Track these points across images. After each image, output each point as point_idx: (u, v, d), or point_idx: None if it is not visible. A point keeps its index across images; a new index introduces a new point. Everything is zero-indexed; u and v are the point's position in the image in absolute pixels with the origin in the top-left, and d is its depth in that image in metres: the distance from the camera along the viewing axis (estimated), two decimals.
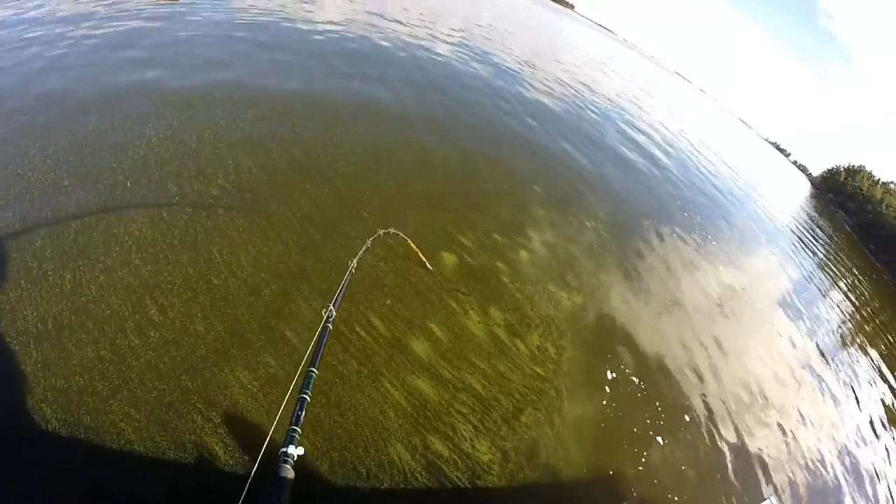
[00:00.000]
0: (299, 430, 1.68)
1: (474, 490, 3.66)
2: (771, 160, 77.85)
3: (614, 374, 5.55)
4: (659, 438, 5.07)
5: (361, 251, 3.78)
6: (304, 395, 1.90)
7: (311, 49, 11.38)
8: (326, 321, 2.51)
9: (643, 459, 4.75)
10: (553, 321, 5.77)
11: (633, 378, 5.66)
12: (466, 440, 3.93)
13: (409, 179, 7.28)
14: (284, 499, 1.38)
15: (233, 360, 3.70)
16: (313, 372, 2.04)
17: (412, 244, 5.06)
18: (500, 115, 12.77)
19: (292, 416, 1.76)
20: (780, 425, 6.70)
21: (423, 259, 5.24)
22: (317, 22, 14.10)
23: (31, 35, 7.44)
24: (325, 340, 2.33)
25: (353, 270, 3.36)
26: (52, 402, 3.08)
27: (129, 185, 4.91)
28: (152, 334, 3.66)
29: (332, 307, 2.63)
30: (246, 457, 3.15)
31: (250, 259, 4.56)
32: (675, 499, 4.56)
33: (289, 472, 1.47)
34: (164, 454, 3.05)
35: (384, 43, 14.62)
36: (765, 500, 4.83)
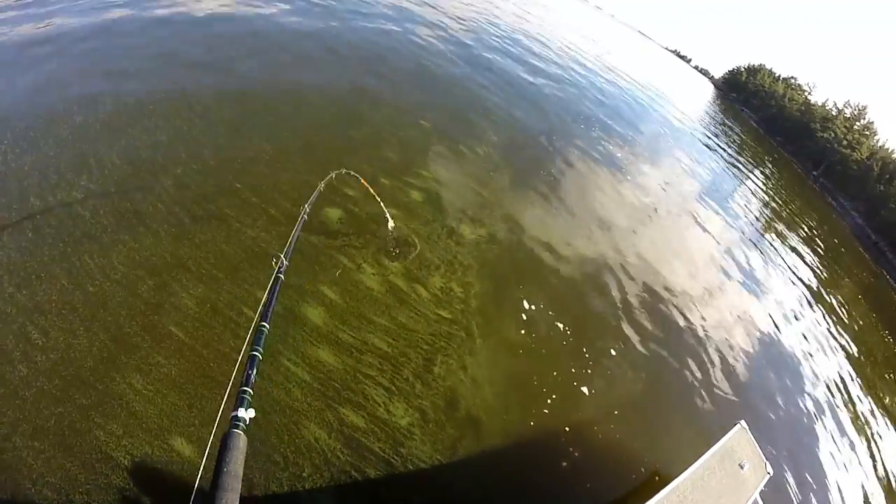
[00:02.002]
0: (250, 390, 1.79)
1: (401, 459, 4.27)
2: (673, 67, 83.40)
3: (531, 304, 6.09)
4: (589, 366, 5.71)
5: (314, 195, 4.02)
6: (255, 353, 2.02)
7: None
8: (278, 272, 2.64)
9: (575, 390, 5.45)
10: (456, 258, 6.27)
11: (554, 301, 6.19)
12: (381, 406, 4.56)
13: (281, 132, 7.62)
14: (236, 466, 1.53)
15: (122, 366, 4.29)
16: (264, 327, 2.20)
17: (370, 188, 5.41)
18: (381, 50, 13.12)
19: (243, 377, 1.86)
20: (711, 316, 7.42)
21: (381, 204, 5.65)
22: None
23: None
24: (276, 293, 2.50)
25: (306, 216, 3.57)
26: None
27: None
28: (39, 359, 4.23)
29: (283, 257, 2.77)
30: (199, 429, 3.84)
31: (122, 258, 5.04)
32: (623, 421, 5.34)
33: (240, 437, 1.60)
34: (75, 479, 3.70)
35: None
36: (735, 424, 5.40)
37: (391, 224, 6.10)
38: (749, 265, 12.10)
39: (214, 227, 5.60)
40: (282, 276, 2.60)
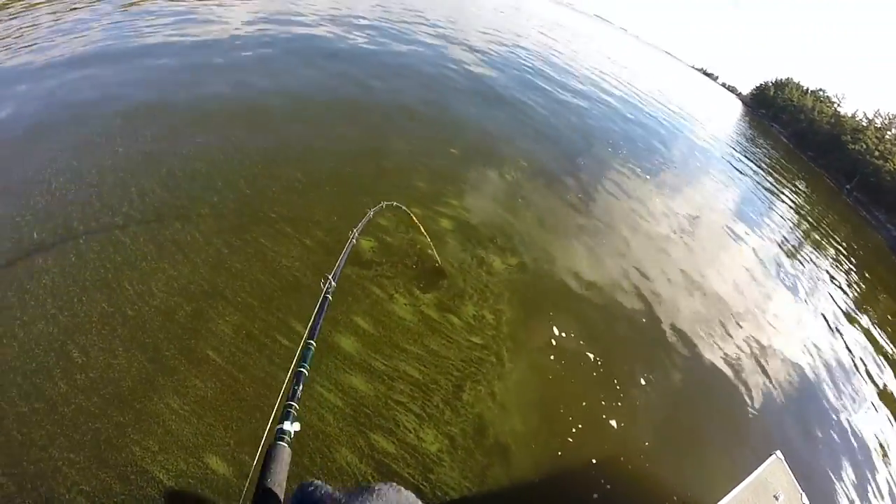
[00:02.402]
0: (296, 405, 1.88)
1: (430, 485, 4.43)
2: (701, 85, 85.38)
3: (560, 331, 6.40)
4: (619, 396, 5.96)
5: (363, 221, 4.27)
6: (302, 369, 2.10)
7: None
8: (326, 293, 2.77)
9: (604, 421, 5.68)
10: (487, 287, 6.65)
11: (584, 328, 6.50)
12: (411, 432, 4.80)
13: (314, 164, 8.18)
14: (279, 476, 1.59)
15: (160, 388, 4.55)
16: (311, 344, 2.27)
17: (415, 218, 5.76)
18: (411, 85, 14.03)
19: (290, 392, 1.96)
20: (746, 338, 7.65)
21: (425, 234, 5.99)
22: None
23: None
24: (323, 313, 2.57)
25: (355, 240, 3.79)
26: None
27: (34, 235, 5.75)
28: (79, 377, 4.50)
29: (331, 278, 2.95)
30: (234, 448, 4.05)
31: (161, 285, 5.40)
32: (650, 448, 5.53)
33: (284, 449, 1.67)
34: (110, 489, 3.90)
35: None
36: (770, 454, 5.55)
37: (437, 260, 6.53)
38: (783, 286, 12.13)
39: (250, 257, 6.00)
40: (329, 296, 2.76)
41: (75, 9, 11.78)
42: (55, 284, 5.25)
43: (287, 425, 1.76)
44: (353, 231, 3.95)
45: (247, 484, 1.80)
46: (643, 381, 6.21)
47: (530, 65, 22.74)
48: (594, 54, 38.94)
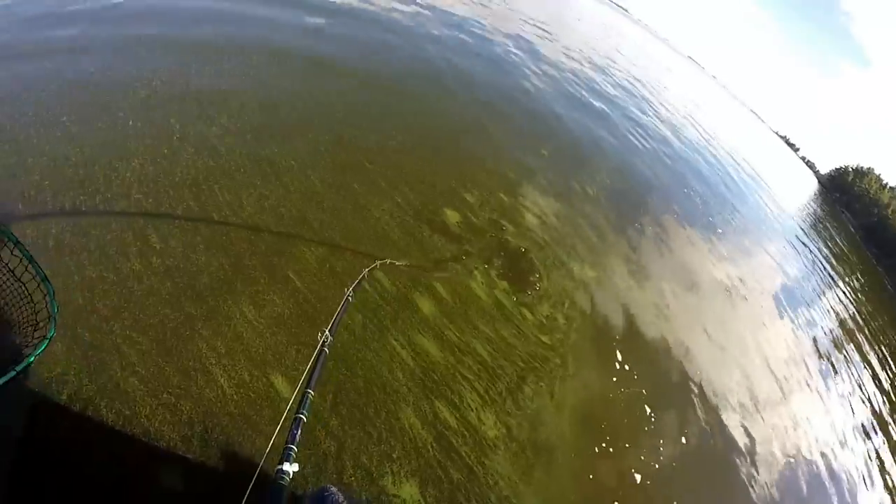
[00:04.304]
0: (295, 448, 1.95)
1: (483, 469, 4.27)
2: (780, 154, 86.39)
3: (623, 357, 6.36)
4: (658, 442, 5.84)
5: (357, 280, 4.18)
6: (301, 416, 2.15)
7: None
8: (323, 345, 2.83)
9: (635, 470, 5.51)
10: (564, 291, 6.65)
11: (640, 362, 6.45)
12: (473, 411, 4.61)
13: (412, 128, 8.35)
14: None
15: (237, 293, 4.36)
16: (310, 393, 2.36)
17: (406, 269, 5.67)
18: (518, 80, 14.52)
19: (288, 435, 2.02)
20: (776, 424, 7.59)
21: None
22: None
23: None
24: (321, 364, 2.67)
25: (350, 299, 3.74)
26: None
27: (130, 123, 5.63)
28: (154, 260, 4.30)
29: (328, 333, 2.96)
30: (242, 472, 3.58)
31: (251, 200, 5.32)
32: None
33: (284, 490, 1.78)
34: (167, 379, 3.65)
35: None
36: None
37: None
38: (821, 375, 11.73)
39: (343, 198, 5.95)
40: (326, 349, 2.80)
41: None
42: (143, 171, 5.09)
43: (287, 466, 1.85)
44: (348, 289, 3.77)
45: None
46: (683, 440, 6.08)
47: (625, 94, 23.43)
48: (681, 97, 39.92)
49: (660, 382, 6.39)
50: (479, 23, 20.09)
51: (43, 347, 2.82)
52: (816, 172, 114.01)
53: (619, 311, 7.12)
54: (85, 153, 5.05)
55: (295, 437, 1.99)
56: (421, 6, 16.38)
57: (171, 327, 3.98)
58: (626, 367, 6.15)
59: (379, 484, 3.84)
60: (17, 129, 5.02)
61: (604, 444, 5.17)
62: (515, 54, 18.29)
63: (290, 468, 1.84)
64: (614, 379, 5.94)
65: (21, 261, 3.06)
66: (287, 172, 5.91)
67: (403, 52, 11.94)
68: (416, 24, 14.87)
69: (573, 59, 22.82)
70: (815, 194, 64.10)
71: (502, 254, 6.58)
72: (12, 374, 2.60)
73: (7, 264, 3.13)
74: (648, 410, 5.78)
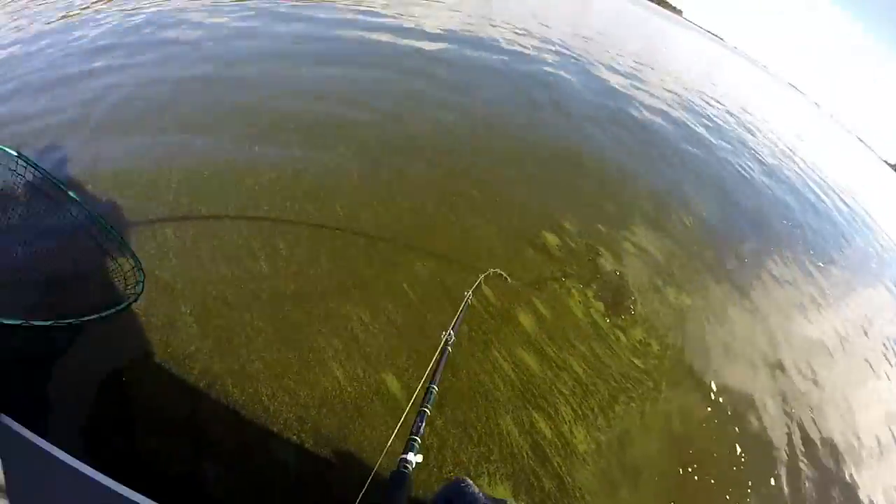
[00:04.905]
0: (419, 439, 2.02)
1: (572, 481, 4.26)
2: (890, 186, 78.56)
3: (717, 390, 6.12)
4: (752, 469, 5.51)
5: (475, 284, 4.46)
6: (425, 409, 2.25)
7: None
8: (446, 344, 2.98)
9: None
10: (658, 317, 6.58)
11: (735, 398, 6.18)
12: (566, 424, 4.64)
13: (514, 162, 8.78)
14: (403, 500, 1.73)
15: (354, 299, 4.71)
16: (434, 388, 2.47)
17: (510, 279, 5.83)
18: (611, 111, 14.88)
19: (413, 426, 2.11)
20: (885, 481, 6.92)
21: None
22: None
23: None
24: (444, 360, 2.80)
25: (470, 301, 3.99)
26: (189, 301, 4.22)
27: (256, 148, 6.39)
28: (280, 264, 4.75)
29: (451, 332, 3.11)
30: (352, 456, 3.82)
31: (368, 216, 5.79)
32: None
33: (408, 478, 1.83)
34: (288, 366, 4.00)
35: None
36: None
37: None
38: None
39: (450, 221, 6.32)
40: (449, 348, 2.94)
41: None
42: (271, 188, 5.73)
43: (411, 456, 1.91)
44: (467, 292, 4.08)
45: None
46: (772, 482, 5.73)
47: (722, 121, 23.16)
48: (783, 128, 38.56)
49: (754, 422, 6.13)
50: (578, 57, 20.68)
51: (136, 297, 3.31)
52: None
53: (715, 342, 6.94)
54: (218, 166, 5.82)
55: (420, 429, 2.09)
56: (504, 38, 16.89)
57: (293, 323, 4.36)
58: (721, 401, 5.96)
59: (476, 483, 3.91)
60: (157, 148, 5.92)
61: (690, 471, 5.01)
62: (613, 86, 18.64)
63: (414, 458, 1.92)
64: (708, 409, 5.76)
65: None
66: (400, 192, 6.41)
67: (501, 87, 12.54)
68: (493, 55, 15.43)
69: (667, 90, 22.81)
70: None
71: (598, 276, 6.66)
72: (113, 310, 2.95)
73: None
74: (739, 449, 5.54)
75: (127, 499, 2.28)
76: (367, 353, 4.37)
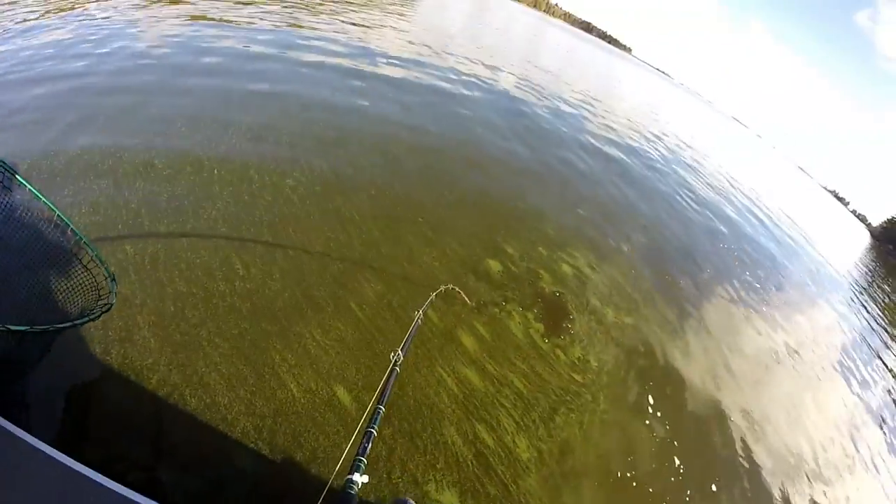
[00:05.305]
0: (365, 460, 2.04)
1: (517, 488, 4.55)
2: (828, 208, 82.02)
3: (655, 403, 6.54)
4: (690, 480, 5.89)
5: (427, 302, 4.55)
6: (371, 430, 2.25)
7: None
8: (394, 365, 2.96)
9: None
10: (596, 336, 7.05)
11: (673, 411, 6.64)
12: (509, 434, 4.98)
13: (459, 189, 9.21)
14: None
15: (307, 317, 4.98)
16: (381, 409, 2.47)
17: (466, 298, 6.08)
18: (550, 146, 15.26)
19: (359, 448, 2.13)
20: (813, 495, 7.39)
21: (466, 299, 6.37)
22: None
23: None
24: (392, 381, 2.84)
25: (420, 321, 4.01)
26: (147, 316, 4.39)
27: (215, 172, 6.63)
28: (237, 284, 4.97)
29: (400, 352, 3.08)
30: (314, 479, 3.92)
31: (320, 241, 6.11)
32: None
33: (353, 499, 1.85)
34: (244, 379, 4.22)
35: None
36: None
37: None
38: (877, 446, 11.05)
39: (398, 249, 6.67)
40: (397, 368, 2.98)
41: None
42: (227, 210, 6.01)
43: (356, 476, 1.94)
44: (418, 311, 4.13)
45: None
46: (712, 488, 6.13)
47: (664, 156, 23.99)
48: (725, 159, 39.79)
49: (692, 435, 6.55)
50: (531, 90, 21.08)
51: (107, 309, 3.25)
52: (868, 225, 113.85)
53: (653, 359, 7.41)
54: (176, 192, 6.00)
55: (365, 450, 2.11)
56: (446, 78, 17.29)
57: (248, 339, 4.58)
58: (659, 415, 6.36)
59: (423, 489, 4.21)
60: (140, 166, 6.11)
61: (629, 476, 5.39)
62: (570, 121, 19.72)
63: (360, 479, 1.94)
64: (646, 422, 6.17)
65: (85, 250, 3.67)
66: (351, 223, 6.74)
67: (447, 117, 13.20)
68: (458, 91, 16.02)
69: (614, 121, 23.98)
70: (868, 248, 62.49)
71: (539, 299, 7.07)
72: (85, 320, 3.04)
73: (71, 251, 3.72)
74: (678, 461, 5.93)
75: (100, 484, 2.36)
76: (319, 368, 4.62)
